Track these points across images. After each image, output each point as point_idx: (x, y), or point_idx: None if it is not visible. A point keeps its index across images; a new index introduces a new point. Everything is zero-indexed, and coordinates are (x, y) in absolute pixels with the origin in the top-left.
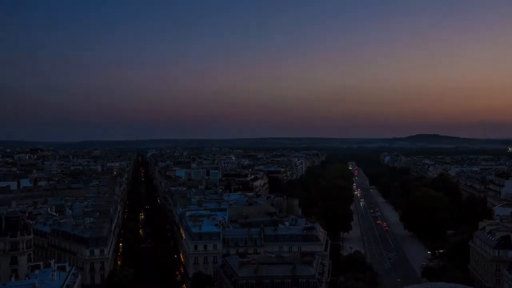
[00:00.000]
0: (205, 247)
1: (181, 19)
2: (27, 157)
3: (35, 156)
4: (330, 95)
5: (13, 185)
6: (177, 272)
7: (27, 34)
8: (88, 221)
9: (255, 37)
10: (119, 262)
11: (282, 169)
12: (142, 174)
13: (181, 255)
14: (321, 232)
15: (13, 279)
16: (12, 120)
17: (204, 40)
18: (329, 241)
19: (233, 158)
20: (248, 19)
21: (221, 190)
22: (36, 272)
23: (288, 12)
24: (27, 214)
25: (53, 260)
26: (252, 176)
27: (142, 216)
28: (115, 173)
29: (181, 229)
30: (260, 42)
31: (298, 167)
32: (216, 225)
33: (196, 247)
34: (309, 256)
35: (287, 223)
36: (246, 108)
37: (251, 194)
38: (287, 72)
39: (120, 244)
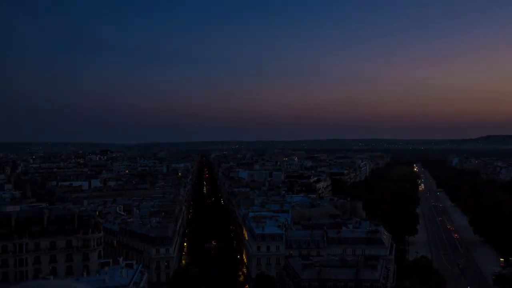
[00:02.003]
0: (268, 248)
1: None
2: (97, 158)
3: (105, 158)
4: (397, 96)
5: (85, 185)
6: (240, 273)
7: (116, 39)
8: (154, 220)
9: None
10: (183, 261)
11: (346, 171)
12: (205, 175)
13: (244, 255)
14: (385, 235)
15: (85, 274)
16: (85, 123)
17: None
18: (394, 245)
19: (296, 159)
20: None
21: (283, 192)
22: (106, 268)
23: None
24: (97, 213)
25: (121, 257)
26: (315, 178)
27: (206, 217)
28: (179, 174)
29: (244, 230)
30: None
31: (362, 168)
32: (279, 226)
33: (259, 248)
34: (373, 259)
35: (350, 226)
36: (309, 109)
37: (314, 195)
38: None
39: (185, 244)
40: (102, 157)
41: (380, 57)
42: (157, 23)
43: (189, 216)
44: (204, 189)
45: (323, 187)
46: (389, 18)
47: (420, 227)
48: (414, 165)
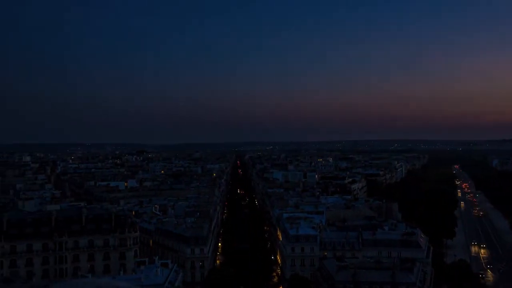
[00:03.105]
0: (302, 249)
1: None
2: (133, 159)
3: (141, 158)
4: (433, 94)
5: (121, 185)
6: (274, 274)
7: (151, 42)
8: (189, 220)
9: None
10: (218, 262)
11: (381, 172)
12: (240, 176)
13: (278, 256)
14: (422, 238)
15: (121, 273)
16: (121, 123)
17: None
18: (431, 248)
19: (331, 160)
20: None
21: (318, 193)
22: (142, 267)
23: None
24: (133, 213)
25: (157, 257)
26: (350, 179)
27: (240, 217)
28: (214, 174)
29: (278, 231)
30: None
31: (398, 170)
32: (313, 227)
33: (293, 249)
34: (409, 262)
35: (386, 228)
36: (344, 110)
37: (349, 197)
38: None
39: (219, 244)
40: (138, 157)
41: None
42: (228, 28)
43: (224, 216)
44: (239, 190)
45: (358, 189)
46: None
47: (458, 230)
48: (452, 166)
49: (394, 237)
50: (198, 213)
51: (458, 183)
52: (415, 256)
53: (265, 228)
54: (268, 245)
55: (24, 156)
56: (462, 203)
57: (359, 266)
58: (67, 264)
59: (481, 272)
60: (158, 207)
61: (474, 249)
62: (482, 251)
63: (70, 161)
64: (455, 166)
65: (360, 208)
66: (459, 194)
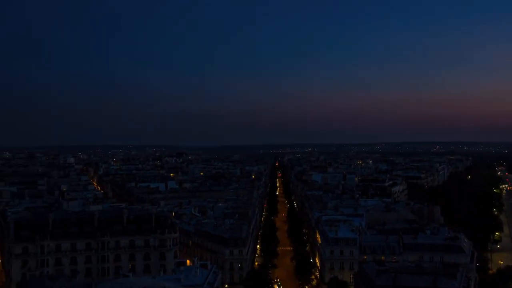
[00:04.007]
0: (341, 252)
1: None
2: (173, 161)
3: (181, 160)
4: (477, 94)
5: (162, 186)
6: (313, 277)
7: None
8: (228, 222)
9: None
10: (256, 263)
11: (422, 175)
12: (278, 178)
13: (317, 259)
14: (466, 243)
15: (161, 273)
16: (162, 126)
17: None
18: (475, 253)
19: (371, 162)
20: None
21: (357, 195)
22: (181, 268)
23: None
24: (173, 214)
25: (196, 258)
26: (390, 182)
27: (279, 219)
28: (253, 176)
29: (317, 234)
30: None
31: (440, 172)
32: (352, 230)
33: (332, 252)
34: (452, 267)
35: (428, 232)
36: (384, 111)
37: (389, 200)
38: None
39: (258, 246)
40: (178, 159)
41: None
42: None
43: (262, 218)
44: (277, 192)
45: (398, 191)
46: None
47: (504, 235)
48: (497, 168)
49: (437, 242)
50: (237, 215)
51: (503, 186)
52: (459, 262)
53: (304, 230)
54: (307, 248)
55: (68, 158)
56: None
57: (400, 270)
58: (109, 263)
59: None
60: (197, 208)
61: None
62: None
63: (112, 162)
64: (501, 168)
65: (400, 211)
66: (505, 197)
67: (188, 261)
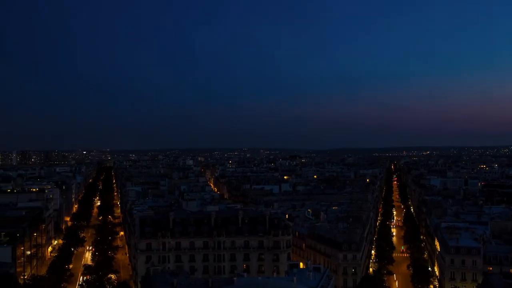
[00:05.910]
0: (463, 262)
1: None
2: (287, 163)
3: (294, 163)
4: None
5: (276, 188)
6: (431, 286)
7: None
8: (341, 226)
9: None
10: (371, 269)
11: None
12: (394, 182)
13: (435, 268)
14: None
15: (275, 274)
16: (276, 129)
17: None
18: None
19: (496, 166)
20: None
21: (481, 202)
22: (294, 270)
23: None
24: (287, 216)
25: (309, 260)
26: None
27: (394, 224)
28: (367, 180)
29: (435, 241)
30: None
31: None
32: (475, 239)
33: (452, 261)
34: None
35: None
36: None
37: None
38: None
39: (373, 252)
40: (291, 162)
41: None
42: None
43: (377, 223)
44: (393, 196)
45: None
46: None
47: None
48: None
49: None
50: (350, 219)
51: None
52: None
53: (421, 237)
54: (425, 255)
55: (187, 160)
56: None
57: None
58: (224, 262)
59: None
60: (311, 211)
61: None
62: None
63: (228, 165)
64: None
65: None
66: None
67: (301, 264)
